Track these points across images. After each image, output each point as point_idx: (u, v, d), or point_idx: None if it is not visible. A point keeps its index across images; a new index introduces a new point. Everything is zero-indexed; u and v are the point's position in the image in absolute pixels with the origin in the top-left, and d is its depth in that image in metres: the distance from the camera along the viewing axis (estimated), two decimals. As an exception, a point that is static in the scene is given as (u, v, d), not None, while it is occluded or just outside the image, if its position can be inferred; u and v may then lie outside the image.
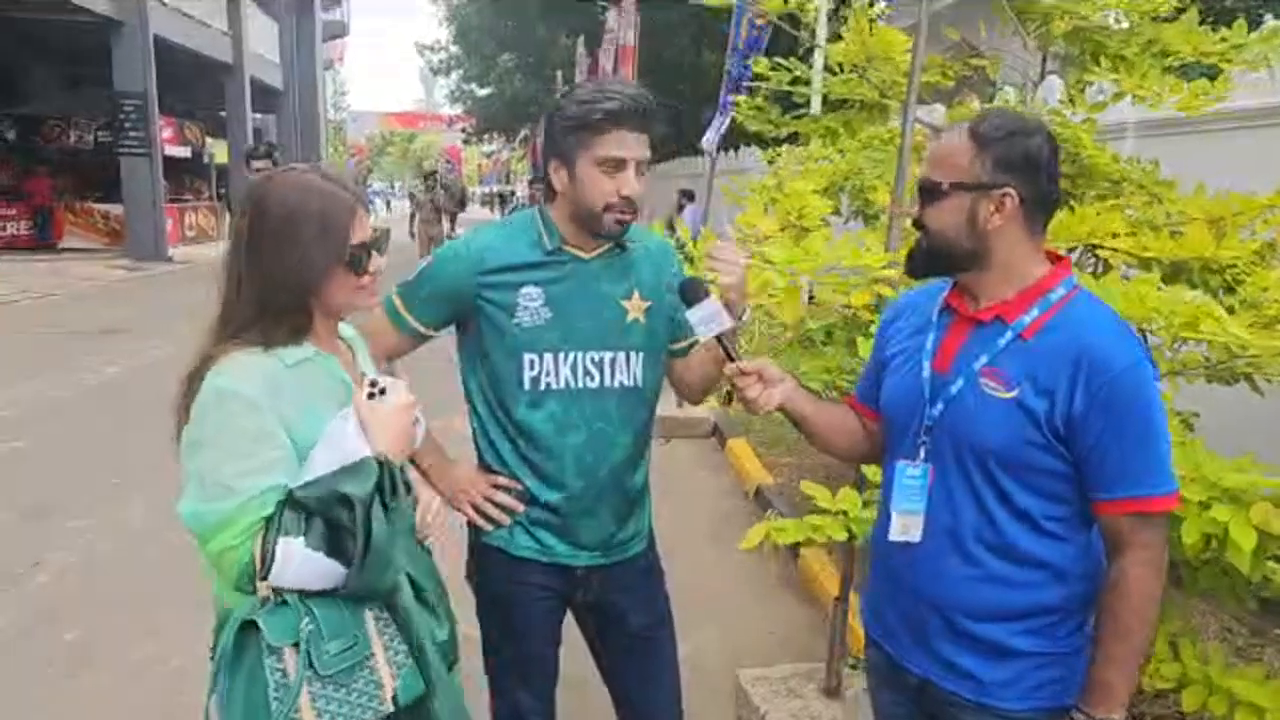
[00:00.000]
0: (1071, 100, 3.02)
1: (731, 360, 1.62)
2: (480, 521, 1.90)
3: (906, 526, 1.55)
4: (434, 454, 1.94)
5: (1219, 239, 2.31)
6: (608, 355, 1.84)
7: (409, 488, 1.46)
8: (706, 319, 1.65)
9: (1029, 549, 1.46)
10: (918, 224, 1.54)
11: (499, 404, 1.86)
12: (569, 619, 2.03)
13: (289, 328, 1.42)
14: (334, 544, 1.31)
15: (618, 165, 1.71)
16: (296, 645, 1.29)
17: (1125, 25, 2.88)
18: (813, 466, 5.47)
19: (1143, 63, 2.89)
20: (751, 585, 4.09)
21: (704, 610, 3.74)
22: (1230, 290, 2.29)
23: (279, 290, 1.39)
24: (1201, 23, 3.00)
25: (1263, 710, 1.88)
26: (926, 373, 1.55)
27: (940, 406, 1.51)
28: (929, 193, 1.50)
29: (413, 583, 1.48)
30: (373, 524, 1.30)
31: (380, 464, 1.35)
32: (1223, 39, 2.93)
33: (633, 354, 1.86)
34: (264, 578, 1.31)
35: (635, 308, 1.86)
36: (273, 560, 1.29)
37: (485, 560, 1.94)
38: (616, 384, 1.84)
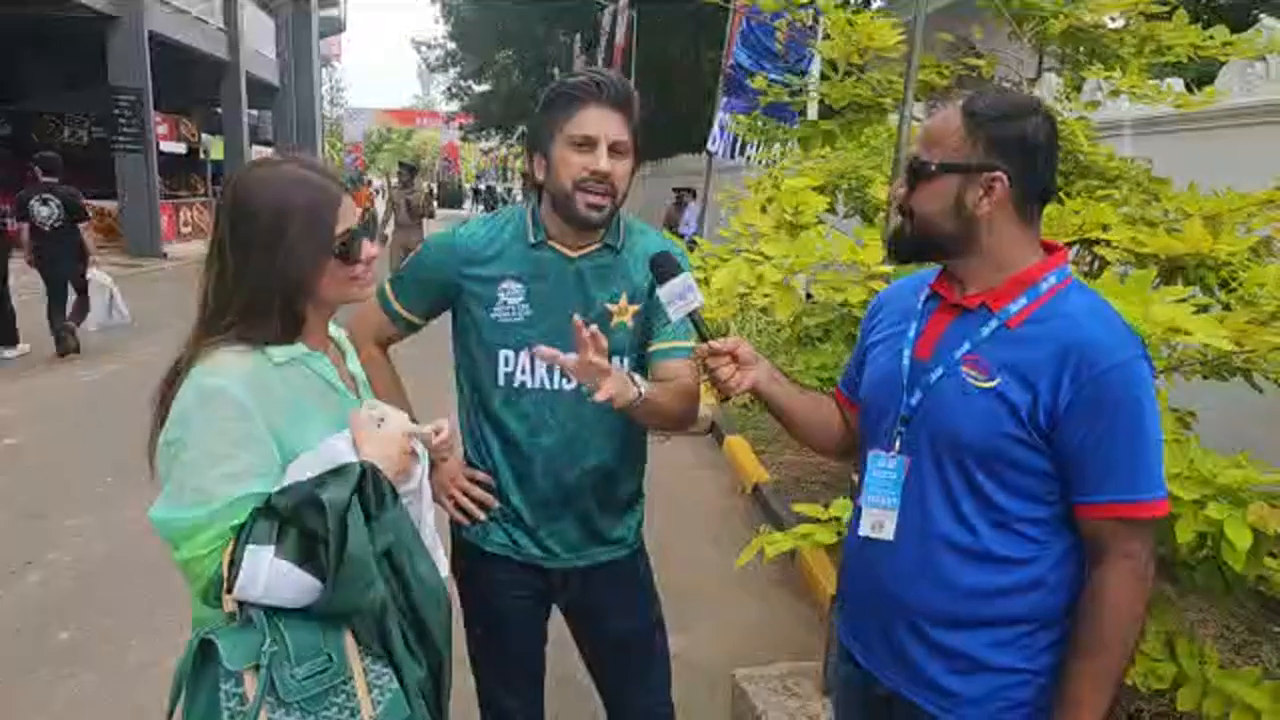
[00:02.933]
0: (1067, 98, 3.01)
1: (704, 340, 1.53)
2: (459, 516, 1.89)
3: (878, 522, 1.46)
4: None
5: (1215, 235, 2.31)
6: None
7: (395, 511, 1.32)
8: (678, 295, 1.54)
9: (1004, 552, 1.37)
10: (903, 208, 1.45)
11: (478, 399, 1.85)
12: (559, 619, 2.02)
13: (280, 325, 1.37)
14: (308, 554, 1.22)
15: (589, 143, 1.69)
16: (258, 668, 1.18)
17: (1121, 23, 2.88)
18: (811, 464, 5.47)
19: (1138, 61, 2.89)
20: (748, 583, 4.09)
21: (701, 608, 3.74)
22: (1226, 287, 2.29)
23: (268, 288, 1.34)
24: (1193, 22, 3.00)
25: (1258, 712, 1.87)
26: (906, 360, 1.46)
27: (918, 395, 1.43)
28: (916, 172, 1.41)
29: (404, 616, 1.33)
30: (348, 532, 1.20)
31: (365, 470, 1.26)
32: (1210, 36, 2.94)
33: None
34: (229, 590, 1.22)
35: (622, 311, 1.81)
36: (238, 571, 1.21)
37: (463, 556, 1.93)
38: None
